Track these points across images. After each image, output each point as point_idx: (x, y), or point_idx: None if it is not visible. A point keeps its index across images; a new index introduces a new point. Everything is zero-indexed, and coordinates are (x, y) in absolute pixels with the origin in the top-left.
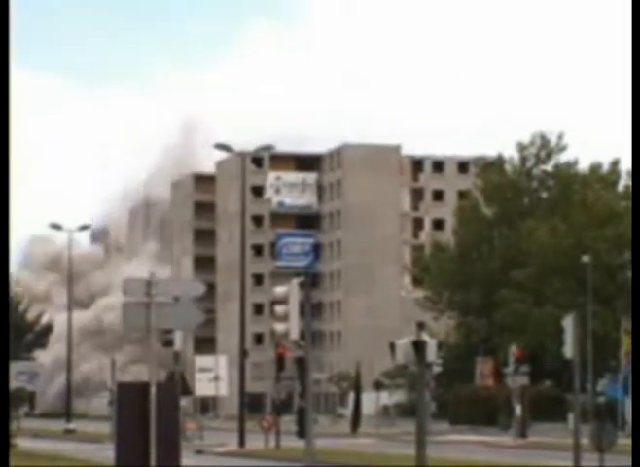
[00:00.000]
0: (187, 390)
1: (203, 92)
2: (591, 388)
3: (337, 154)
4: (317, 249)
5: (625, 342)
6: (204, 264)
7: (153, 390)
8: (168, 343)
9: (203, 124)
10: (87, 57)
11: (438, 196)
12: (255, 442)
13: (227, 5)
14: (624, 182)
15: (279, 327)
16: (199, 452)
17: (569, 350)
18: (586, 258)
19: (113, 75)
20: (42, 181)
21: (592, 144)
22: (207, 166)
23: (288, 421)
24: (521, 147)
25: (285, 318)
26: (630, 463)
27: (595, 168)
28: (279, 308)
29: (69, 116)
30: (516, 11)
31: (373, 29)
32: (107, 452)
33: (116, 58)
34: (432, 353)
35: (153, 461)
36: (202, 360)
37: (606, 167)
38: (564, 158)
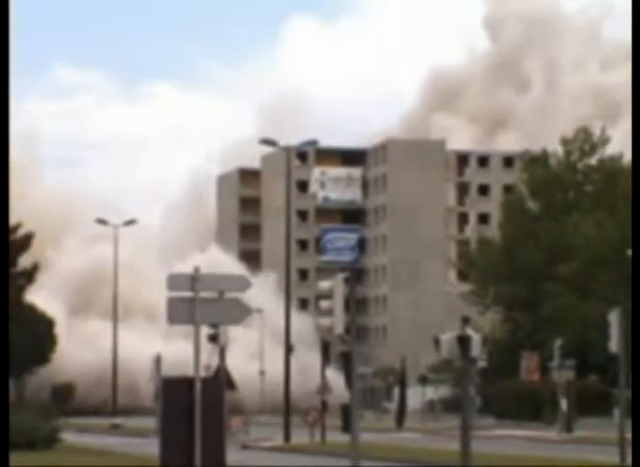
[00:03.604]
0: (232, 385)
1: (249, 88)
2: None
3: (383, 148)
4: (362, 244)
5: None
6: (249, 259)
7: (198, 385)
8: (214, 339)
9: (250, 118)
10: (133, 55)
11: (483, 190)
12: (300, 436)
13: (268, 3)
14: None
15: (324, 322)
16: (245, 447)
17: (614, 345)
18: (631, 251)
19: (159, 72)
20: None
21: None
22: (253, 160)
23: (333, 416)
24: (565, 141)
25: (330, 313)
26: None
27: None
28: (324, 303)
29: (114, 113)
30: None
31: (408, 26)
32: (152, 447)
33: (161, 56)
34: (476, 348)
35: (198, 456)
36: None
37: None
38: (608, 151)
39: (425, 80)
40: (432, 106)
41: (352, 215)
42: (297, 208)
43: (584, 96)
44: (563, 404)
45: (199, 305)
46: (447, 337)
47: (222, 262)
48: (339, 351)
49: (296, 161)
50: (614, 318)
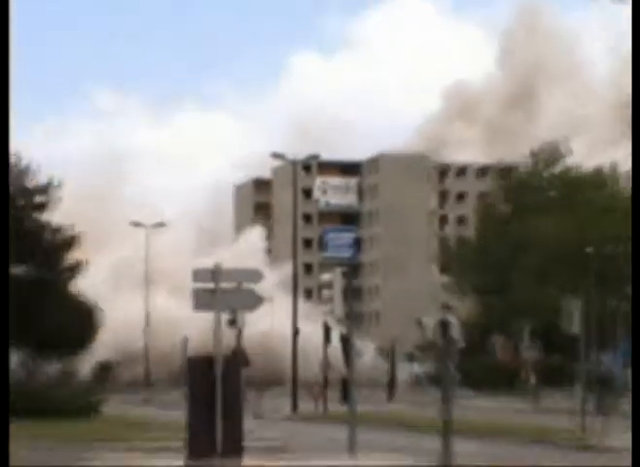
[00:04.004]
0: (247, 363)
1: (260, 111)
2: (595, 360)
3: (375, 161)
4: (358, 242)
5: (624, 321)
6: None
7: (219, 363)
8: (232, 323)
9: (261, 136)
10: (161, 84)
11: (460, 196)
12: (306, 407)
13: (277, 38)
14: (622, 183)
15: (326, 308)
16: (258, 416)
17: (575, 327)
18: (589, 249)
19: (183, 98)
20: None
21: (594, 150)
22: (265, 172)
23: (334, 389)
24: (532, 153)
25: (331, 300)
26: (630, 425)
27: (597, 171)
28: (326, 292)
29: (139, 132)
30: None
31: (397, 57)
32: (180, 417)
33: (184, 85)
34: (456, 331)
35: (219, 424)
36: None
37: (606, 170)
38: (570, 161)
39: (442, 96)
40: (445, 123)
41: (349, 218)
42: (302, 212)
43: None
44: (532, 378)
45: (220, 294)
46: (431, 321)
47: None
48: (339, 334)
49: (301, 173)
50: (575, 305)
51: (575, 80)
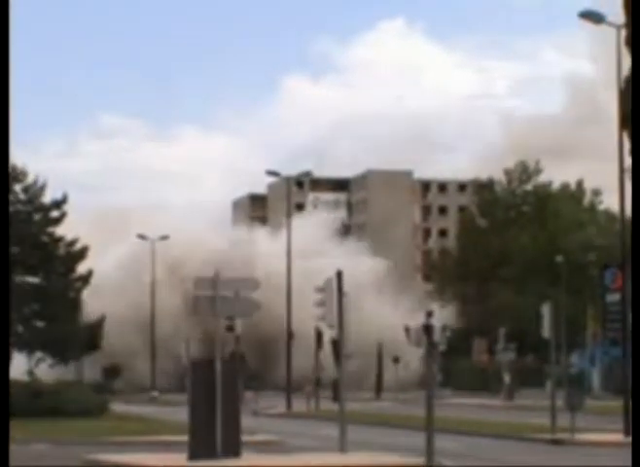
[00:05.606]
0: (246, 365)
1: (256, 130)
2: (564, 361)
3: (363, 177)
4: None
5: (590, 325)
6: None
7: (218, 366)
8: (230, 328)
9: (257, 154)
10: (163, 105)
11: (442, 210)
12: (299, 405)
13: (271, 63)
14: (588, 198)
15: (318, 312)
16: (255, 414)
17: (546, 331)
18: (559, 258)
19: (184, 118)
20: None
21: (563, 168)
22: (260, 188)
23: (325, 389)
24: (507, 171)
25: (323, 304)
26: (595, 420)
27: (565, 187)
28: (318, 297)
29: (146, 153)
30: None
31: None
32: (181, 415)
33: (185, 106)
34: (438, 335)
35: (219, 421)
36: None
37: (573, 186)
38: (541, 179)
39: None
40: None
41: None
42: None
43: None
44: (506, 378)
45: (219, 301)
46: (415, 326)
47: None
48: (330, 337)
49: (294, 188)
50: (546, 310)
51: None
